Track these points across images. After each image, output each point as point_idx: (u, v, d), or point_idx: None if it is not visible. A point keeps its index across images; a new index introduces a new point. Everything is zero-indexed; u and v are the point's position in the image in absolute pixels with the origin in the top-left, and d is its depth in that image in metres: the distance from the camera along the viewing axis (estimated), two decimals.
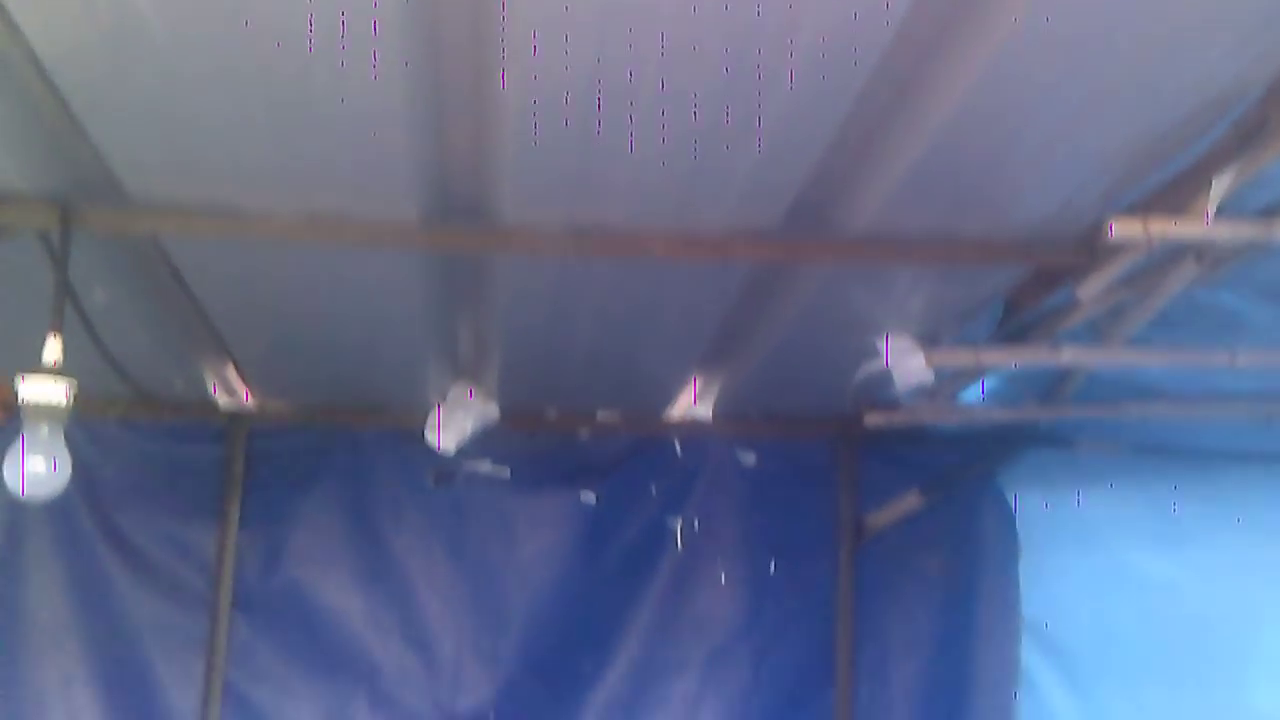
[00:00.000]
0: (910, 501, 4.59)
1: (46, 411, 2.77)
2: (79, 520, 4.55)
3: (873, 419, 4.30)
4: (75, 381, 2.82)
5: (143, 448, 4.62)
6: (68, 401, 2.78)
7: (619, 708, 4.67)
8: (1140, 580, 4.48)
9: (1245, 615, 4.41)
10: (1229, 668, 4.40)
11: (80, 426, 4.26)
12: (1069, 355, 3.46)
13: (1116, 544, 4.51)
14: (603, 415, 4.70)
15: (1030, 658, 4.53)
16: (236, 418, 4.61)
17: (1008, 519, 4.60)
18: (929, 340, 3.54)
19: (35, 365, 2.84)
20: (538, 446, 4.73)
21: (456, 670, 4.66)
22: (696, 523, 4.74)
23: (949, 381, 3.91)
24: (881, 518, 4.66)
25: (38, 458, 2.78)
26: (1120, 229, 2.70)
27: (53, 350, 2.80)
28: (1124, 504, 4.51)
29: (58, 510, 4.50)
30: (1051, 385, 4.06)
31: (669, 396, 4.52)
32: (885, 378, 3.65)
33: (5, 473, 2.83)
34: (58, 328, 2.83)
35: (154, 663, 4.54)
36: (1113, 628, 4.48)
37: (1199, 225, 2.66)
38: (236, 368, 4.26)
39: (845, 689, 4.67)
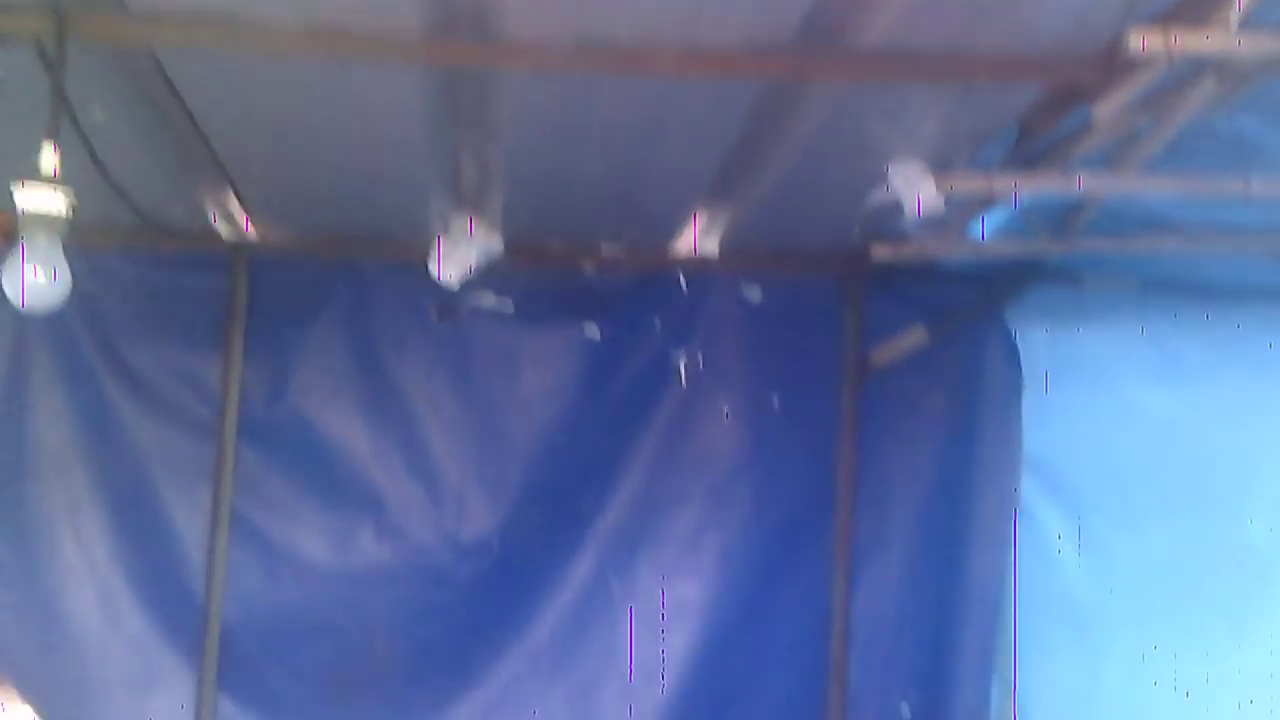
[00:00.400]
0: (915, 337, 4.57)
1: (45, 222, 2.74)
2: (82, 350, 4.56)
3: (880, 253, 4.26)
4: (72, 192, 2.77)
5: (144, 278, 4.61)
6: (66, 211, 2.74)
7: (621, 539, 4.73)
8: (1143, 416, 4.48)
9: (1246, 451, 4.43)
10: (1228, 503, 4.43)
11: (81, 256, 4.22)
12: (1082, 182, 3.41)
13: (1120, 380, 4.50)
14: (607, 249, 4.66)
15: (1030, 493, 4.55)
16: (238, 248, 4.58)
17: (1012, 355, 4.58)
18: (940, 166, 3.48)
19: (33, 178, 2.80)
20: (542, 280, 4.71)
21: (461, 501, 4.70)
22: (700, 358, 4.73)
23: (959, 212, 3.86)
24: (886, 354, 4.64)
25: (37, 268, 2.75)
26: (1140, 40, 2.63)
27: (49, 159, 2.75)
28: (1129, 341, 4.49)
29: (61, 339, 4.53)
30: (1061, 219, 4.01)
31: (674, 229, 4.48)
32: (894, 207, 3.60)
33: (5, 284, 2.80)
34: (54, 137, 2.78)
35: (161, 490, 4.59)
36: (1114, 463, 4.49)
37: (1223, 37, 2.59)
38: (236, 194, 4.20)
39: (845, 523, 4.71)
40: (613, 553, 4.73)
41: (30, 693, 4.56)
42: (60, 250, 2.78)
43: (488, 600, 4.70)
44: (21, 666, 4.55)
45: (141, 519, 4.58)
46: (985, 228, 4.15)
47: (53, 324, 4.44)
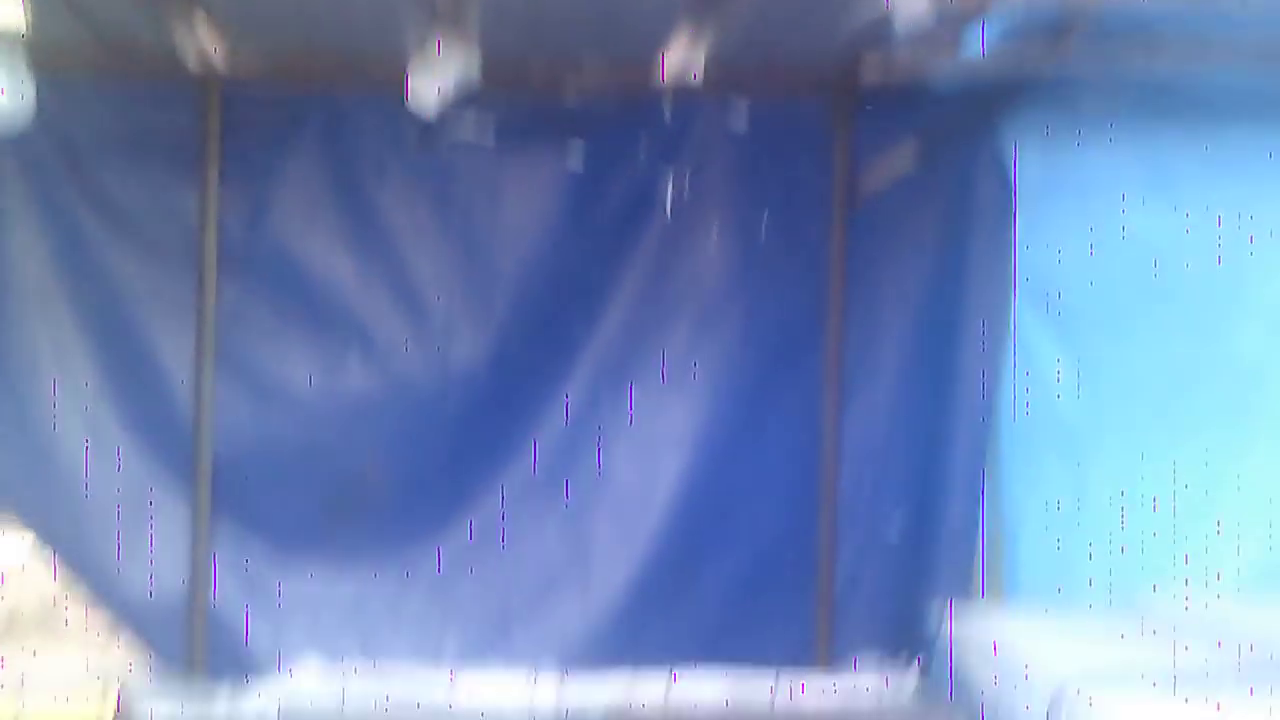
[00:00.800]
0: (905, 159, 4.50)
1: (3, 38, 2.65)
2: (58, 183, 4.48)
3: (870, 70, 4.16)
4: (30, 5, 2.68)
5: (117, 110, 4.51)
6: (24, 25, 2.65)
7: (610, 366, 4.73)
8: (1134, 235, 4.44)
9: (1236, 266, 4.40)
10: (1217, 318, 4.42)
11: (52, 88, 4.14)
12: None
13: (1112, 197, 4.44)
14: (590, 67, 4.54)
15: (1021, 315, 4.52)
16: (209, 78, 4.47)
17: (1004, 176, 4.50)
18: None
19: None
20: (523, 106, 4.62)
21: (448, 331, 4.68)
22: (687, 184, 4.67)
23: (950, 23, 3.74)
24: (876, 177, 4.58)
25: None
26: None
27: None
28: (1121, 157, 4.42)
29: (35, 172, 4.45)
30: (1055, 33, 3.91)
31: (658, 45, 4.33)
32: (885, 19, 3.50)
33: None
34: None
35: (144, 324, 4.56)
36: (1103, 280, 4.46)
37: None
38: (205, 9, 4.06)
39: (835, 345, 4.71)
40: (602, 379, 4.74)
41: (26, 519, 4.61)
42: (21, 66, 2.69)
43: (478, 429, 4.71)
44: (18, 499, 4.58)
45: (126, 352, 4.56)
46: (978, 43, 4.04)
47: (26, 158, 4.39)
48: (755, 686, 4.64)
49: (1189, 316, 4.41)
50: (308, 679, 4.57)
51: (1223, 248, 4.39)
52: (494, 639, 4.72)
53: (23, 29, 2.67)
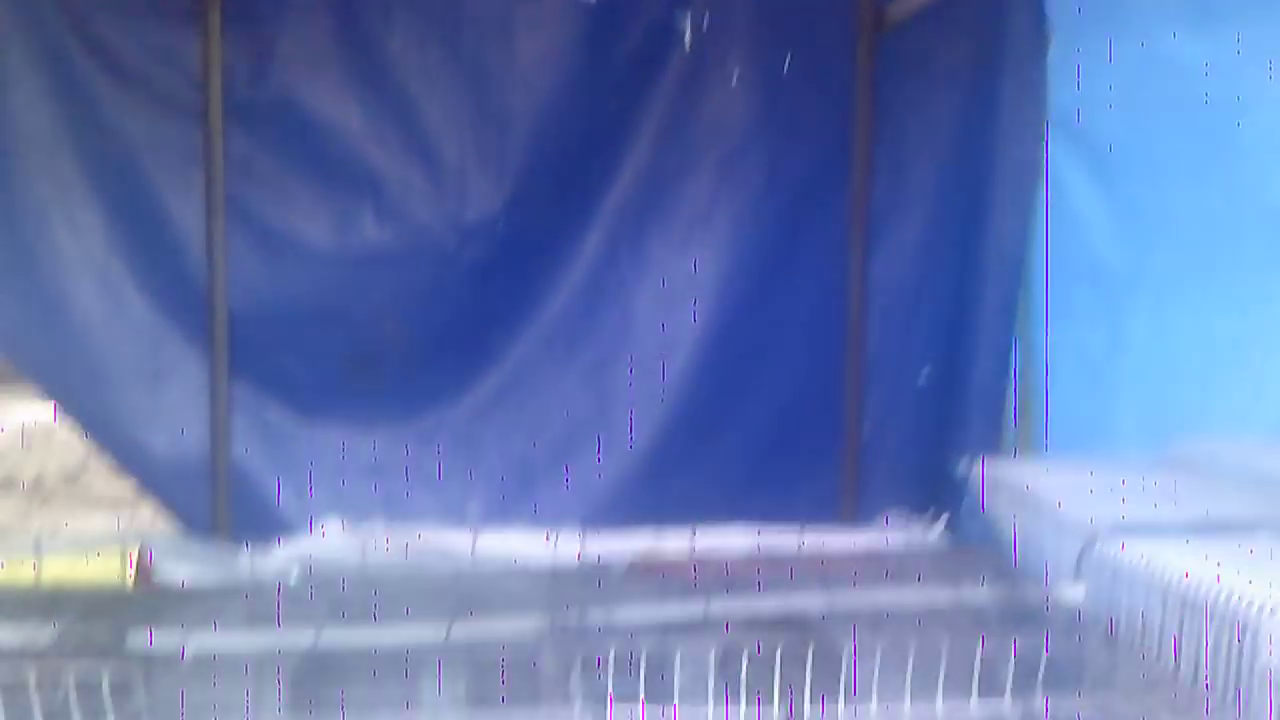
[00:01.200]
0: None
1: None
2: (56, 31, 4.33)
3: None
4: None
5: None
6: None
7: (630, 214, 4.61)
8: (1175, 68, 4.17)
9: None
10: (1261, 158, 4.18)
11: None
12: None
13: (1151, 28, 4.18)
14: None
15: (1055, 153, 4.32)
16: None
17: (1037, 4, 4.28)
18: None
19: None
20: None
21: (462, 180, 4.56)
22: (706, 18, 4.48)
23: None
24: (903, 7, 4.38)
25: None
26: None
27: None
28: None
29: (35, 25, 4.31)
30: None
31: None
32: None
33: None
34: None
35: (151, 175, 4.43)
36: (1143, 120, 4.22)
37: None
38: None
39: (862, 187, 4.57)
40: (622, 228, 4.62)
41: (43, 383, 4.56)
42: None
43: (495, 281, 4.61)
44: (31, 357, 4.52)
45: (135, 206, 4.44)
46: None
47: (26, 11, 4.26)
48: (780, 540, 4.57)
49: (1231, 155, 4.18)
50: (329, 539, 4.52)
51: (1268, 81, 4.15)
52: (516, 496, 4.68)
53: None
